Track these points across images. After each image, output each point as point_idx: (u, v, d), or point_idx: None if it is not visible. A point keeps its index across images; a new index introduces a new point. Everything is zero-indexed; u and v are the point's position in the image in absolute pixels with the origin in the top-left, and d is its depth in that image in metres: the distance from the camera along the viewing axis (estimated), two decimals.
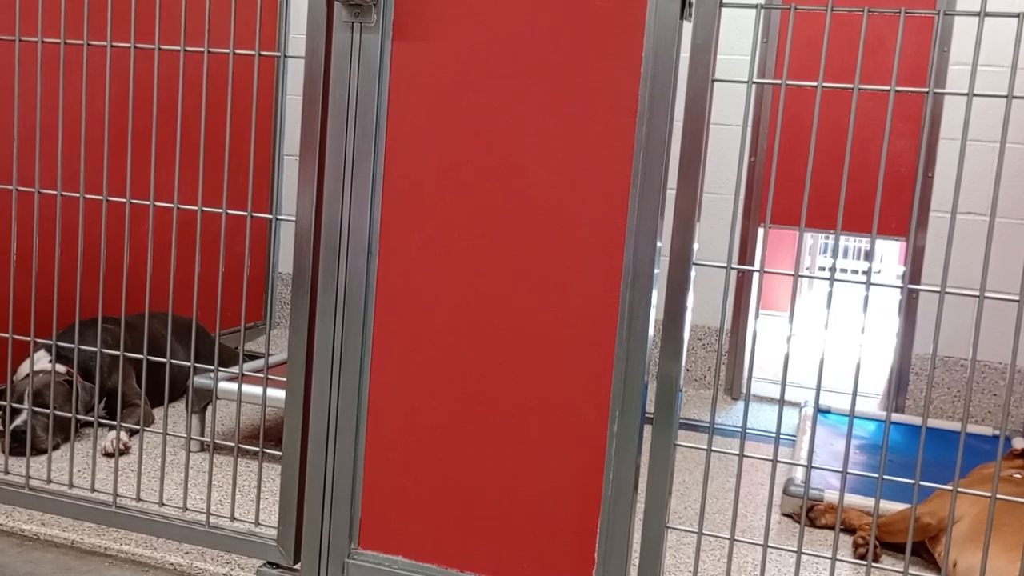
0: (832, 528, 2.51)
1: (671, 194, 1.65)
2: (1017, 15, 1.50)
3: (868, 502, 2.50)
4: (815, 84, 1.61)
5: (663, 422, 1.72)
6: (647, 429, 1.73)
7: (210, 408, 2.80)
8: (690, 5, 1.63)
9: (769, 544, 1.70)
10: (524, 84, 1.76)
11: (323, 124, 1.87)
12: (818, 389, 1.69)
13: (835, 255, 1.76)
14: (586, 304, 1.75)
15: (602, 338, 1.74)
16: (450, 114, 1.81)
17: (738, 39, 3.69)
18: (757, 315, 4.00)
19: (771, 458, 1.69)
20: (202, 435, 2.80)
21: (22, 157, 2.30)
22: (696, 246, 1.68)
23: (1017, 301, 1.56)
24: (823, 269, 8.82)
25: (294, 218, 1.91)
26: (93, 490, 2.15)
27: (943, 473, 2.78)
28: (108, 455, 2.65)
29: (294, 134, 4.32)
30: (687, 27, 1.64)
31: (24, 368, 2.78)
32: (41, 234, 2.25)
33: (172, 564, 2.03)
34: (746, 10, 1.65)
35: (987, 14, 1.51)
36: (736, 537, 1.74)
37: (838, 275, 1.65)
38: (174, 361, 2.12)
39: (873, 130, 3.70)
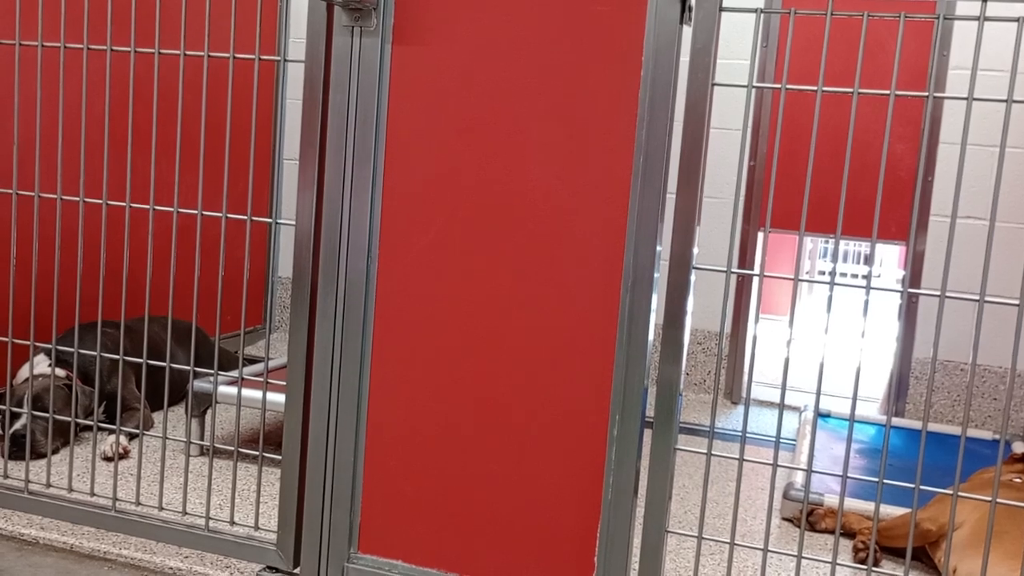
0: (832, 532, 2.51)
1: (671, 198, 1.65)
2: (1017, 19, 1.50)
3: (868, 506, 2.50)
4: (815, 88, 1.61)
5: (663, 426, 1.71)
6: (647, 433, 1.73)
7: (210, 412, 2.80)
8: (690, 9, 1.63)
9: (769, 548, 1.69)
10: (524, 88, 1.76)
11: (323, 128, 1.87)
12: (818, 393, 1.69)
13: (835, 259, 1.76)
14: (586, 308, 1.75)
15: (602, 342, 1.74)
16: (450, 118, 1.81)
17: (738, 43, 3.69)
18: (757, 319, 4.00)
19: (771, 462, 1.69)
20: (202, 439, 2.80)
21: (22, 161, 2.31)
22: (696, 250, 1.68)
23: (1017, 305, 1.56)
24: (823, 273, 8.82)
25: (294, 222, 1.90)
26: (92, 494, 2.15)
27: (943, 478, 2.78)
28: (107, 459, 2.64)
29: (294, 138, 4.32)
30: (687, 31, 1.64)
31: (23, 372, 2.78)
32: (41, 238, 2.25)
33: (171, 568, 2.03)
34: (746, 14, 1.65)
35: (987, 18, 1.51)
36: (736, 541, 1.74)
37: (838, 279, 1.65)
38: (174, 365, 2.12)
39: (873, 134, 3.70)
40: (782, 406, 1.72)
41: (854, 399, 1.64)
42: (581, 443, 1.77)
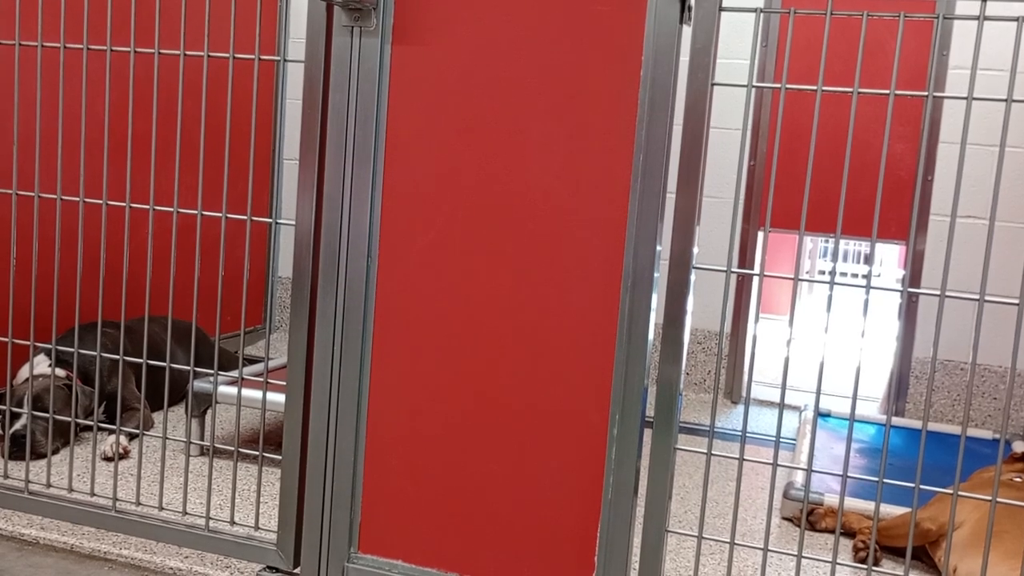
0: (832, 532, 2.51)
1: (671, 198, 1.66)
2: (1016, 19, 1.51)
3: (868, 506, 2.50)
4: (815, 88, 1.61)
5: (663, 426, 1.71)
6: (647, 433, 1.73)
7: (210, 412, 2.80)
8: (690, 9, 1.63)
9: (769, 548, 1.69)
10: (524, 88, 1.76)
11: (323, 128, 1.87)
12: (818, 393, 1.69)
13: (835, 259, 1.76)
14: (586, 308, 1.75)
15: (602, 342, 1.74)
16: (450, 118, 1.81)
17: (737, 43, 3.70)
18: (757, 319, 4.00)
19: (771, 462, 1.69)
20: (202, 439, 2.80)
21: (22, 161, 2.31)
22: (696, 250, 1.68)
23: (1017, 305, 1.56)
24: (823, 273, 8.82)
25: (294, 222, 1.91)
26: (92, 494, 2.15)
27: (943, 477, 2.78)
28: (108, 459, 2.64)
29: (294, 138, 4.32)
30: (687, 31, 1.64)
31: (24, 372, 2.78)
32: (41, 238, 2.25)
33: (172, 568, 2.03)
34: (746, 14, 1.65)
35: (987, 18, 1.51)
36: (736, 541, 1.74)
37: (838, 279, 1.65)
38: (174, 365, 2.12)
39: (873, 134, 3.70)
40: (782, 406, 1.72)
41: (854, 399, 1.64)
42: (581, 443, 1.77)
